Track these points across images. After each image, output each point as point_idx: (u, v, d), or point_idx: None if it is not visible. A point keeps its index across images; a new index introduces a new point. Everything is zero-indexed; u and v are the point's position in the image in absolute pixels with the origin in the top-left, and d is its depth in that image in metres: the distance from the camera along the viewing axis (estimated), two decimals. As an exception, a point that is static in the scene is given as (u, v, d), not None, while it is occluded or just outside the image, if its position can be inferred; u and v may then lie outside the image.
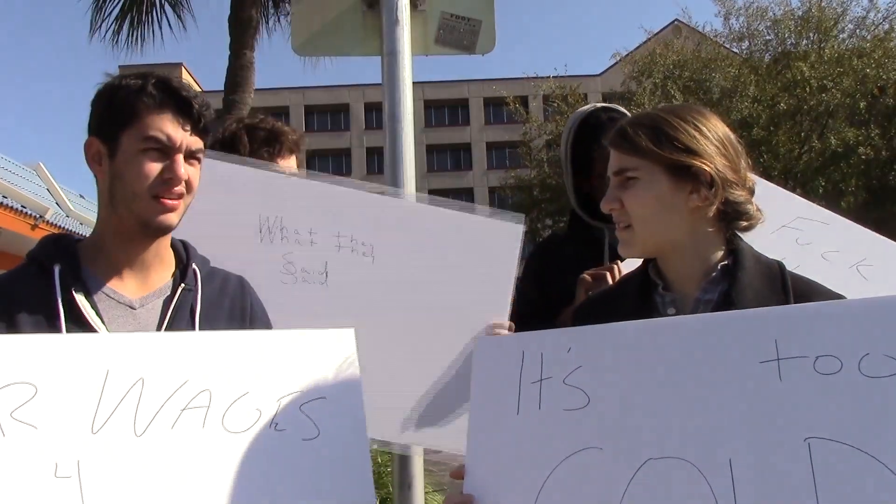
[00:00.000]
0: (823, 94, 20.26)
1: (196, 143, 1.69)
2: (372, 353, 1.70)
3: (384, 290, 2.20)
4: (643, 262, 1.80)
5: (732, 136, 1.70)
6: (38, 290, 1.61)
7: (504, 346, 1.61)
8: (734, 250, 1.67)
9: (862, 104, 20.58)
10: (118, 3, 11.96)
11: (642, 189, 1.65)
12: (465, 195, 52.06)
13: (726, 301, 1.61)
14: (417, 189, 3.34)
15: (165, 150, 1.64)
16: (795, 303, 1.58)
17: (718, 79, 21.52)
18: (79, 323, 1.59)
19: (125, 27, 12.01)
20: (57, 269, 1.63)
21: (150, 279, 1.74)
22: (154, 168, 1.63)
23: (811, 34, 21.62)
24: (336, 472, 1.54)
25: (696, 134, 1.63)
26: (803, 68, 20.34)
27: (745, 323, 1.40)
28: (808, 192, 20.62)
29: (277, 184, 2.20)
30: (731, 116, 19.05)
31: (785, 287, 1.61)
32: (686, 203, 1.63)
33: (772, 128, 20.54)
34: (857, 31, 21.94)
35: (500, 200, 43.84)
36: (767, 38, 22.54)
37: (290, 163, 2.57)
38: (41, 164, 17.11)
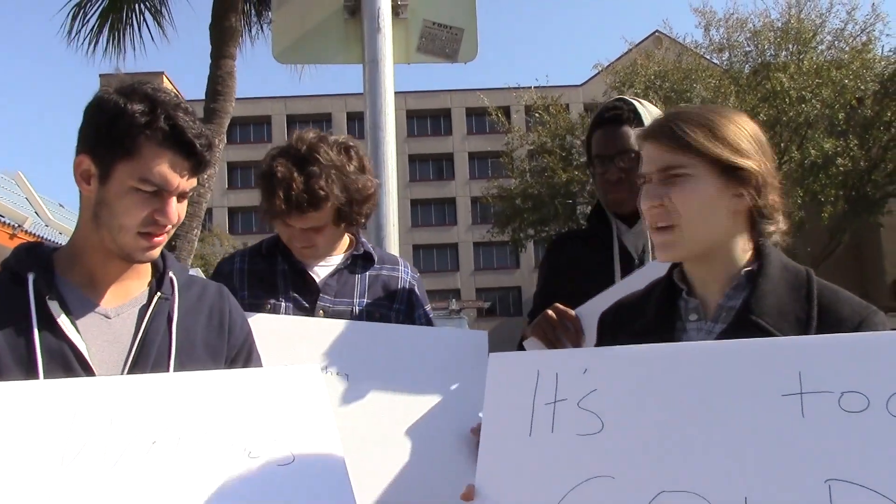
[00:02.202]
0: (802, 105, 20.47)
1: (191, 184, 1.66)
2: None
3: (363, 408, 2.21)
4: (669, 267, 1.75)
5: (764, 137, 1.66)
6: (12, 299, 1.59)
7: (519, 364, 1.56)
8: (761, 256, 1.63)
9: (840, 115, 20.81)
10: (96, 9, 11.76)
11: (693, 187, 1.58)
12: (447, 205, 52.12)
13: (747, 309, 1.57)
14: (399, 198, 3.32)
15: (159, 192, 1.61)
16: (819, 311, 1.54)
17: (699, 89, 21.68)
18: (52, 331, 1.57)
19: (104, 35, 11.81)
20: (31, 278, 1.61)
21: (126, 289, 1.72)
22: (145, 207, 1.61)
23: (790, 45, 21.85)
24: (315, 487, 1.52)
25: (743, 134, 1.60)
26: (782, 79, 20.55)
27: (769, 352, 1.35)
28: (787, 203, 20.78)
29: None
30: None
31: (809, 295, 1.57)
32: (729, 205, 1.60)
33: (752, 138, 20.71)
34: (836, 42, 22.20)
35: (483, 210, 43.88)
36: (747, 49, 22.77)
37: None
38: (20, 174, 16.99)
